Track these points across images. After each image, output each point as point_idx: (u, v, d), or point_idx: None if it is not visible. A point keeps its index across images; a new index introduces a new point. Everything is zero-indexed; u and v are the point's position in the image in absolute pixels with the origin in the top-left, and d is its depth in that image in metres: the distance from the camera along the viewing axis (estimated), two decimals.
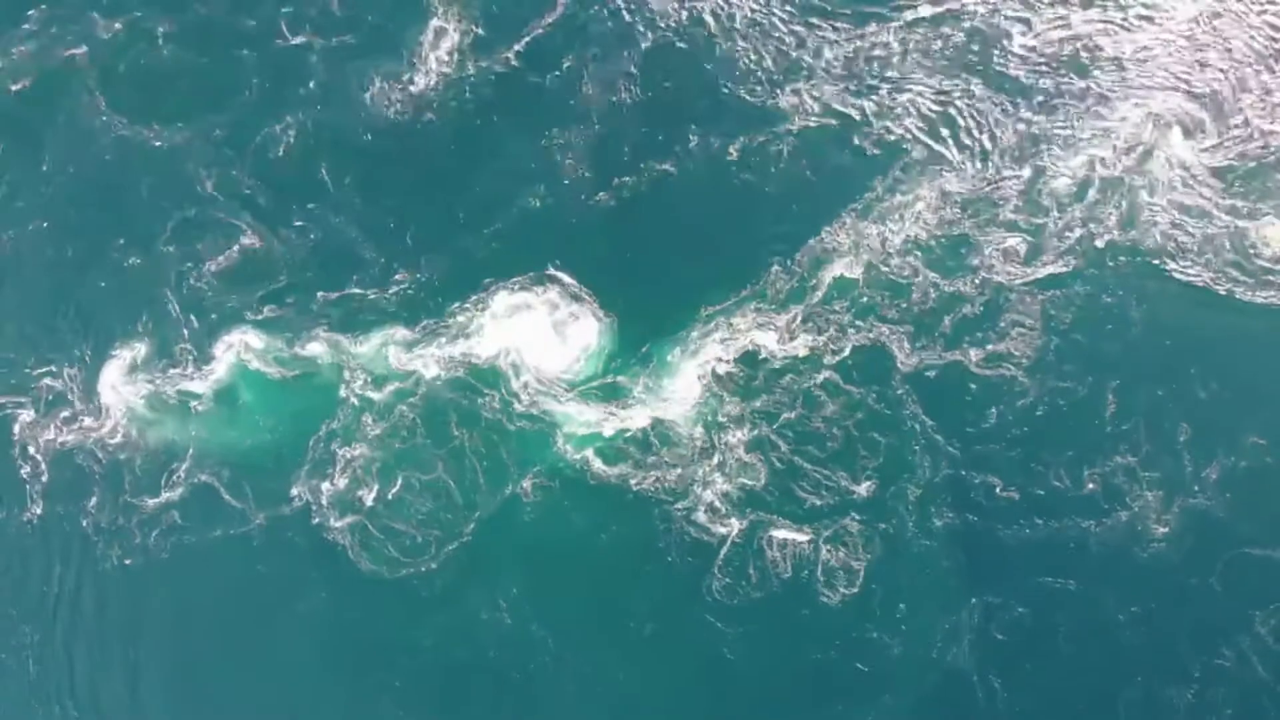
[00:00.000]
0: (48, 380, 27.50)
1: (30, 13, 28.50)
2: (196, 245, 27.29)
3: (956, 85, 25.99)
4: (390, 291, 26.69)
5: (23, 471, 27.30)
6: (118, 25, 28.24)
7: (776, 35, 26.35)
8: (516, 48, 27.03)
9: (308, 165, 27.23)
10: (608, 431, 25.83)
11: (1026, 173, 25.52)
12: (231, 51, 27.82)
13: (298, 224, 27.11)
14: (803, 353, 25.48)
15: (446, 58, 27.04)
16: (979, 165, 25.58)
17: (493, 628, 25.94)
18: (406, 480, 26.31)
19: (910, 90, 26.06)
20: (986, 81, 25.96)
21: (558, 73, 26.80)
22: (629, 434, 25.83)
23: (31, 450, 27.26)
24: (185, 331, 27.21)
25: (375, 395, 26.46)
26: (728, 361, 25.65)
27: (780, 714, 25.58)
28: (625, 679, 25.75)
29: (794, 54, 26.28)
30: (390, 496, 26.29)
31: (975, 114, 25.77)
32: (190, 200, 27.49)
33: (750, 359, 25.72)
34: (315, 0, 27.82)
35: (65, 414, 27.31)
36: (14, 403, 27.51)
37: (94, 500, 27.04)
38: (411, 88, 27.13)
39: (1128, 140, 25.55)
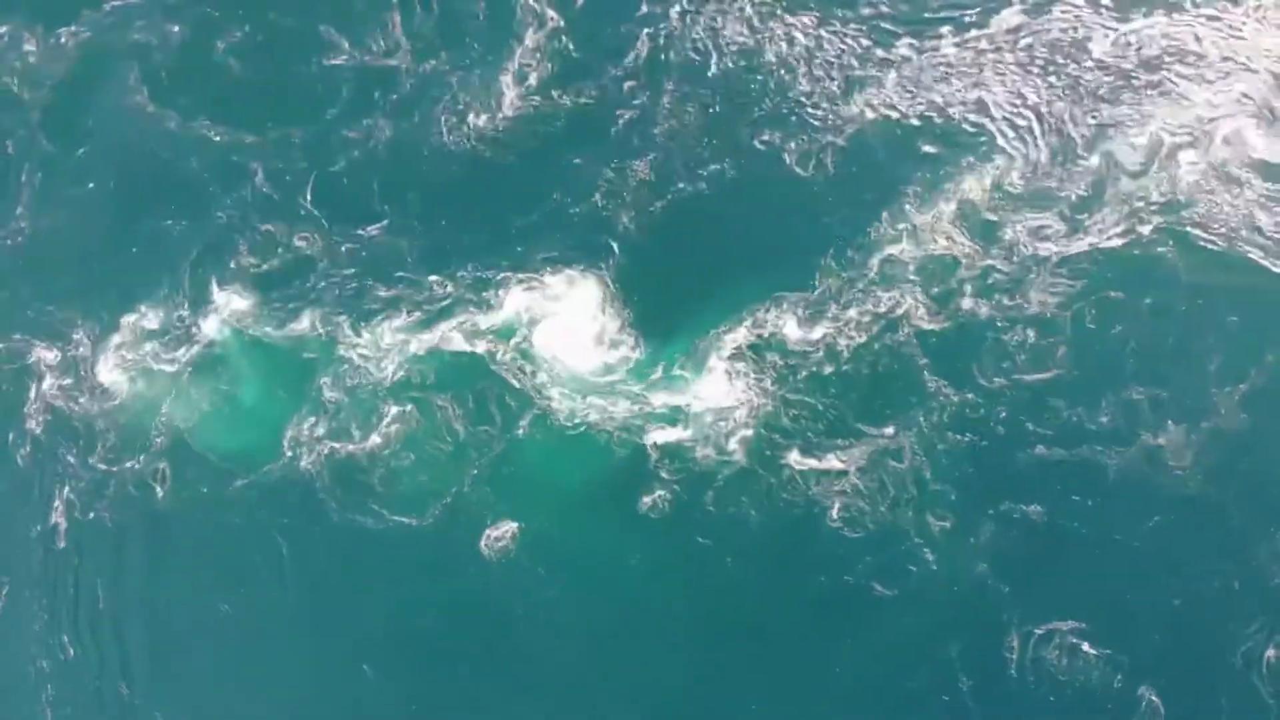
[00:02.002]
0: (68, 329, 28.67)
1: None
2: (236, 238, 28.53)
3: (1027, 87, 27.24)
4: (424, 292, 27.79)
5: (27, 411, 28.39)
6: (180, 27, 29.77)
7: (845, 46, 27.86)
8: (598, 81, 28.21)
9: (368, 180, 28.39)
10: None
11: (1095, 161, 26.61)
12: (319, 62, 29.18)
13: (346, 232, 28.26)
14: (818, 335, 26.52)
15: (525, 89, 28.29)
16: (1043, 157, 26.82)
17: (491, 579, 26.57)
18: (401, 435, 27.24)
19: (978, 94, 27.32)
20: (1059, 83, 27.23)
21: (635, 103, 27.97)
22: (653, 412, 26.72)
23: (32, 396, 28.37)
24: (195, 306, 28.40)
25: (382, 365, 27.61)
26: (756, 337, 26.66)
27: (801, 635, 26.05)
28: (622, 613, 26.54)
29: (860, 67, 27.70)
30: (385, 450, 27.18)
31: (1045, 113, 27.09)
32: (241, 194, 28.73)
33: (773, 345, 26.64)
34: (414, 19, 29.06)
35: (72, 360, 28.48)
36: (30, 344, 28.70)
37: (80, 451, 28.12)
38: (487, 116, 28.25)
39: (1194, 130, 26.63)
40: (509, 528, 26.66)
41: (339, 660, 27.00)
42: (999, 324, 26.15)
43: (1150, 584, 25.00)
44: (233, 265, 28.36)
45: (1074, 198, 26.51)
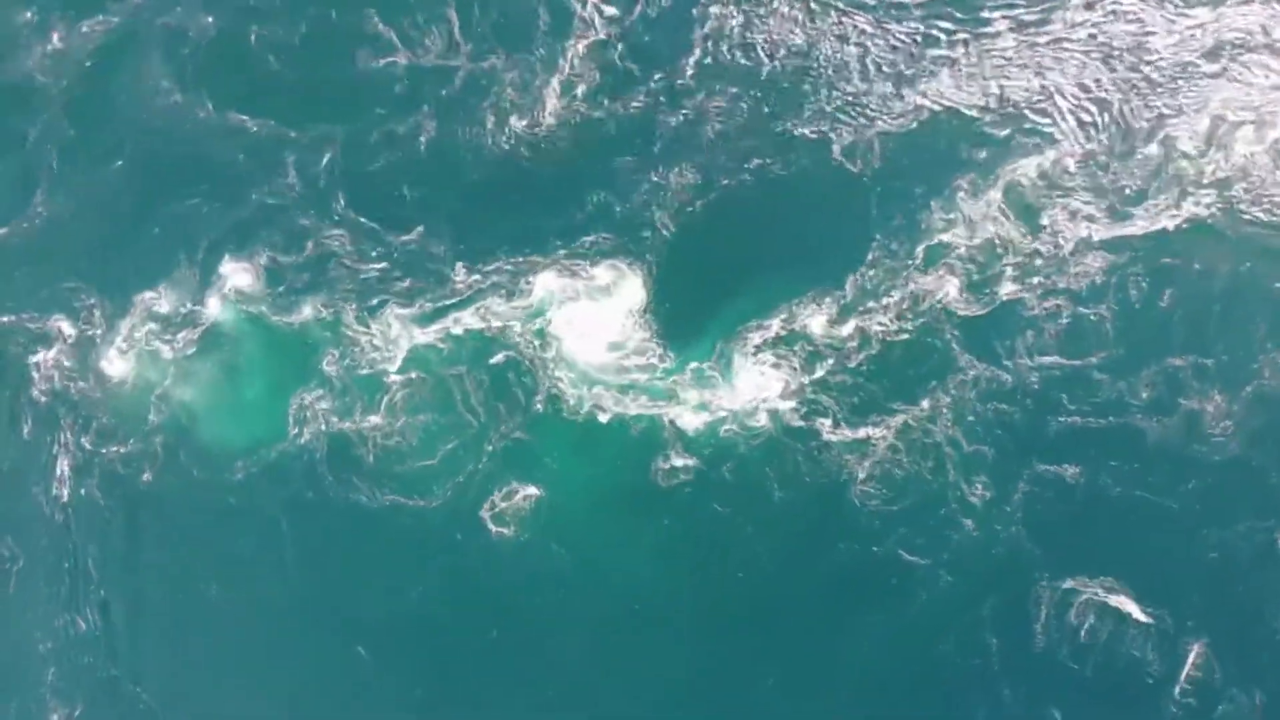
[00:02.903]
0: (81, 308, 28.75)
1: None
2: (260, 228, 28.61)
3: (1087, 77, 27.37)
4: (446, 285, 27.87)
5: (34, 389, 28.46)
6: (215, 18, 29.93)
7: (899, 42, 27.98)
8: (647, 87, 28.19)
9: (404, 178, 28.43)
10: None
11: (1153, 149, 26.74)
12: (364, 58, 29.19)
13: (375, 229, 28.29)
14: (851, 328, 26.55)
15: (571, 97, 28.32)
16: (1100, 145, 26.91)
17: (501, 556, 26.63)
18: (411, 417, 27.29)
19: (1037, 83, 27.46)
20: (1120, 73, 27.35)
21: (685, 108, 27.99)
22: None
23: (39, 374, 28.42)
24: (207, 290, 28.47)
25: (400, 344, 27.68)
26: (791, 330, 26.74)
27: (826, 604, 26.06)
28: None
29: (915, 61, 27.82)
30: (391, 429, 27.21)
31: (1104, 101, 27.17)
32: (272, 186, 28.74)
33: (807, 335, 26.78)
34: (469, 20, 29.05)
35: (82, 339, 28.59)
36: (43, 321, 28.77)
37: (85, 430, 28.24)
38: (530, 120, 28.29)
39: (1256, 111, 26.81)
40: (528, 492, 26.65)
41: (340, 643, 26.97)
42: (1040, 305, 26.31)
43: (1189, 543, 25.00)
44: (252, 253, 28.45)
45: (1128, 183, 26.69)
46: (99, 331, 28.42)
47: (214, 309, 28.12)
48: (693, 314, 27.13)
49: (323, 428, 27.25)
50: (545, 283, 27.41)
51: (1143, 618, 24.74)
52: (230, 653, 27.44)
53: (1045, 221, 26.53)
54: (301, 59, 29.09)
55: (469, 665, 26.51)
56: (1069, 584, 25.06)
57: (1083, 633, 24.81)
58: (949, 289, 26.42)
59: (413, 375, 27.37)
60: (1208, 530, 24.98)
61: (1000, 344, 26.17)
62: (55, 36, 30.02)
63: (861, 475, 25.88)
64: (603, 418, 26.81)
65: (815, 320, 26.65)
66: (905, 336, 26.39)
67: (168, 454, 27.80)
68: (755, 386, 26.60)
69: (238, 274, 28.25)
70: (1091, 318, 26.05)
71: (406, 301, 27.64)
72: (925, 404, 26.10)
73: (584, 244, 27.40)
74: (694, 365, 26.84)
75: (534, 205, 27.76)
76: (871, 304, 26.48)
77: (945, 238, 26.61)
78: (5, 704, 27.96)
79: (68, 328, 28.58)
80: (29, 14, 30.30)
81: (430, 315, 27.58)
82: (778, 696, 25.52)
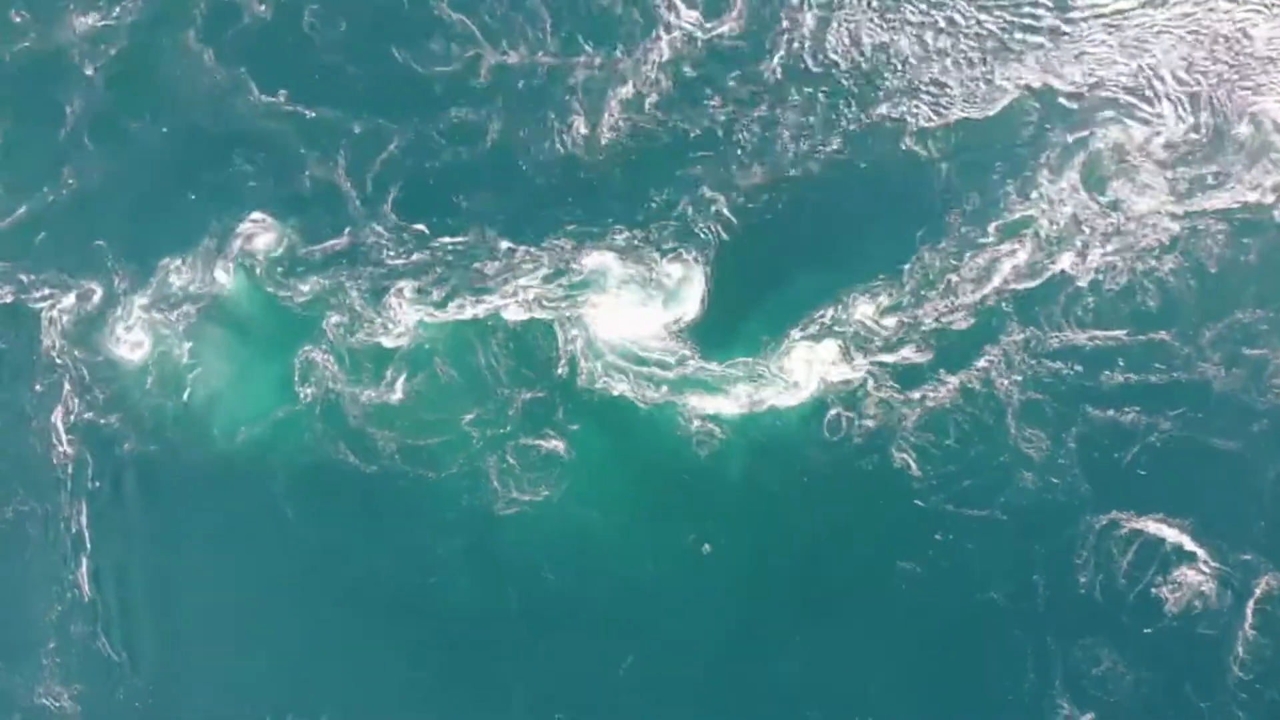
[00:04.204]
0: (103, 266, 28.74)
1: None
2: (293, 218, 28.51)
3: (1178, 60, 27.47)
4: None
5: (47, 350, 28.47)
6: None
7: (984, 30, 27.99)
8: (724, 90, 28.10)
9: (461, 183, 28.22)
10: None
11: (1243, 129, 26.83)
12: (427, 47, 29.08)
13: (423, 234, 28.07)
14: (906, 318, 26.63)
15: (646, 100, 28.31)
16: (1187, 127, 27.00)
17: (522, 526, 26.48)
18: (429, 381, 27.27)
19: (1127, 66, 27.50)
20: (1214, 55, 27.42)
21: (760, 113, 27.88)
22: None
23: (47, 343, 28.39)
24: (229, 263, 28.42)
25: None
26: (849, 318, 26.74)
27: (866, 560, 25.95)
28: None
29: (998, 49, 27.84)
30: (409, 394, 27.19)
31: (1195, 82, 27.24)
32: (319, 172, 28.63)
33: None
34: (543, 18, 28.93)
35: (100, 301, 28.59)
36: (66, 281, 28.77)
37: (88, 390, 28.18)
38: (607, 122, 28.19)
39: None
40: (551, 446, 26.63)
41: (349, 615, 26.89)
42: (1111, 273, 26.34)
43: (1253, 480, 25.00)
44: (283, 233, 28.39)
45: (1216, 161, 26.73)
46: (121, 292, 28.39)
47: (228, 279, 28.13)
48: (749, 306, 27.15)
49: (331, 386, 27.22)
50: (597, 264, 27.43)
51: (1205, 554, 24.70)
52: (234, 625, 27.26)
53: (1124, 197, 26.64)
54: (362, 47, 29.08)
55: (486, 636, 26.35)
56: (1127, 524, 25.02)
57: (1142, 572, 24.77)
58: (1018, 263, 26.50)
59: (426, 344, 27.39)
60: (1273, 467, 24.94)
61: (1065, 306, 26.25)
62: (99, 9, 30.11)
63: (913, 431, 25.90)
64: (633, 394, 26.82)
65: (872, 308, 26.70)
66: (969, 321, 26.37)
67: (171, 419, 27.76)
68: (804, 365, 26.62)
69: (260, 243, 28.28)
70: (1164, 280, 26.08)
71: (436, 284, 27.61)
72: (982, 363, 26.11)
73: (643, 237, 27.38)
74: (745, 358, 26.83)
75: (596, 203, 27.77)
76: (933, 292, 26.56)
77: (1021, 216, 26.74)
78: (9, 675, 27.67)
79: (87, 289, 28.54)
80: None
81: (460, 295, 27.54)
82: (820, 657, 25.40)
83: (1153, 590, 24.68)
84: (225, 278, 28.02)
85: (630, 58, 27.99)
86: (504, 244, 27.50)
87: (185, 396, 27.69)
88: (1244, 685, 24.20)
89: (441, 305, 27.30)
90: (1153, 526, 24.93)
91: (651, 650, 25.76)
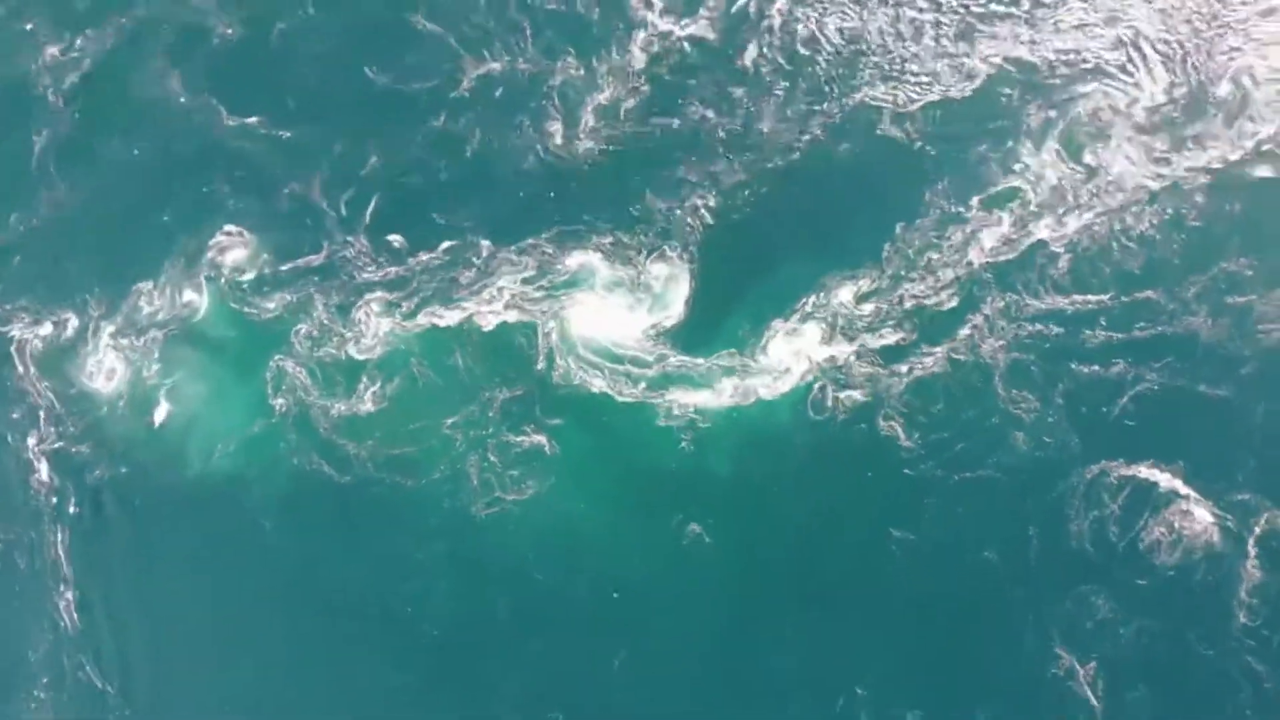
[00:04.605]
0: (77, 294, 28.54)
1: None
2: (269, 235, 28.36)
3: (1156, 26, 27.75)
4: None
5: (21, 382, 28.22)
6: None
7: (957, 7, 28.35)
8: (703, 87, 28.22)
9: (441, 195, 28.16)
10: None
11: (1223, 89, 27.04)
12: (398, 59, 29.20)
13: (400, 250, 27.95)
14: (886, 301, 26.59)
15: (625, 103, 28.40)
16: (1163, 89, 27.24)
17: (507, 526, 26.21)
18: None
19: (1106, 36, 27.80)
20: (1192, 20, 27.78)
21: (738, 108, 27.93)
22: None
23: (20, 371, 28.13)
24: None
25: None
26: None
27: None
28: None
29: (969, 27, 28.08)
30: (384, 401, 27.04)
31: (1173, 47, 27.55)
32: (295, 191, 28.48)
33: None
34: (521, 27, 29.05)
35: (74, 327, 28.32)
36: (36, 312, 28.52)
37: (62, 419, 27.84)
38: (587, 127, 28.23)
39: None
40: (534, 441, 26.46)
41: (334, 630, 26.47)
42: (1093, 233, 26.45)
43: (1243, 421, 25.00)
44: (258, 251, 28.26)
45: (1197, 121, 26.87)
46: (94, 319, 28.16)
47: (200, 298, 27.95)
48: (734, 300, 27.09)
49: (304, 398, 26.99)
50: (581, 265, 27.37)
51: (1199, 496, 24.60)
52: (220, 644, 26.77)
53: (1105, 162, 26.78)
54: (337, 65, 29.10)
55: (475, 639, 26.01)
56: (1116, 472, 24.98)
57: (1135, 518, 24.71)
58: (999, 235, 26.58)
59: (400, 352, 27.23)
60: (1262, 405, 24.98)
61: (1045, 272, 26.33)
62: (65, 37, 30.15)
63: (900, 401, 25.86)
64: (611, 389, 26.71)
65: (854, 292, 26.64)
66: (952, 298, 26.37)
67: (144, 443, 27.42)
68: (789, 353, 26.56)
69: (233, 260, 28.15)
70: (1146, 238, 26.20)
71: (407, 297, 27.53)
72: (966, 331, 26.12)
73: (626, 238, 27.34)
74: (730, 350, 26.73)
75: (578, 206, 27.71)
76: (915, 272, 26.53)
77: (1004, 188, 26.84)
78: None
79: (61, 317, 28.28)
80: (33, 22, 30.52)
81: (432, 305, 27.44)
82: (816, 634, 25.24)
83: (1148, 537, 24.56)
84: (196, 297, 27.87)
85: (608, 62, 28.11)
86: (484, 244, 27.45)
87: (158, 420, 27.41)
88: (1251, 631, 23.93)
89: (411, 315, 27.17)
90: (1144, 472, 24.84)
91: (644, 644, 25.44)
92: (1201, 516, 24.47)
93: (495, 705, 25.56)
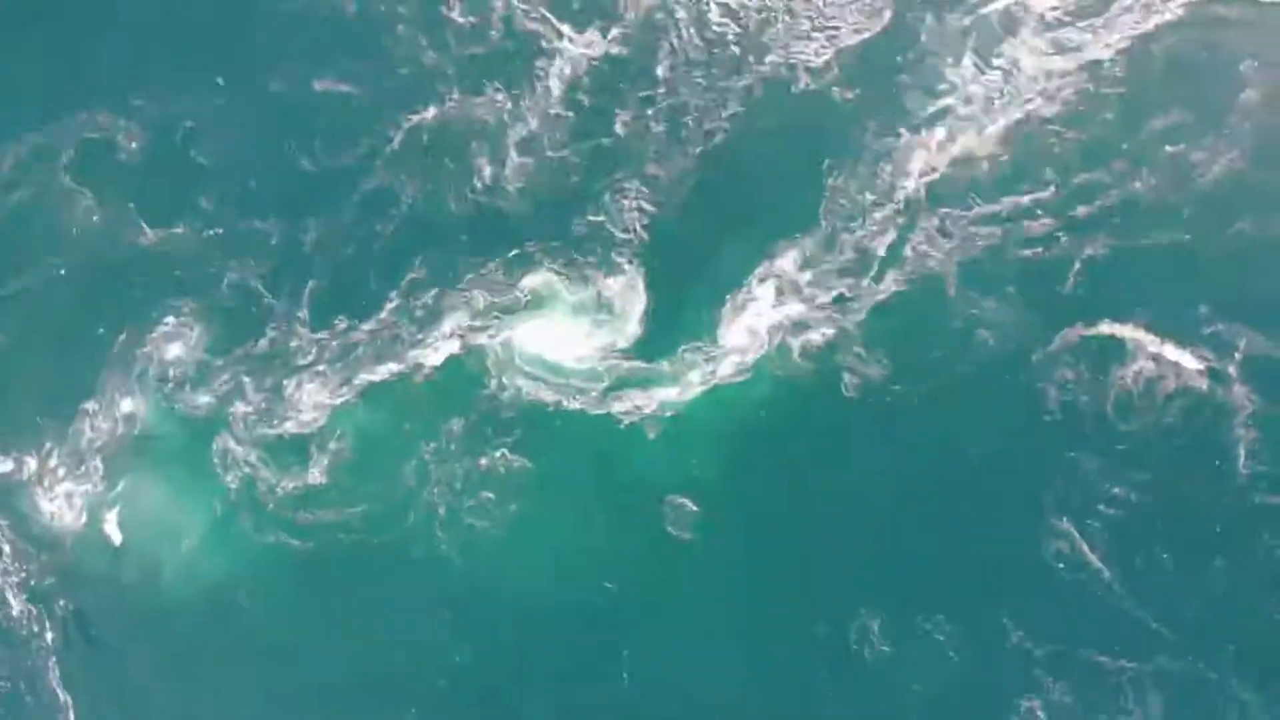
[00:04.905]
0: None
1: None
2: (207, 328, 28.21)
3: None
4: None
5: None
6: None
7: None
8: (626, 100, 28.03)
9: (377, 258, 27.95)
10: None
11: None
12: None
13: (342, 326, 27.75)
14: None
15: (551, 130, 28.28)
16: None
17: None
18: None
19: None
20: None
21: (663, 110, 27.76)
22: None
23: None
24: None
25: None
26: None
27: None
28: None
29: None
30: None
31: None
32: (232, 283, 28.30)
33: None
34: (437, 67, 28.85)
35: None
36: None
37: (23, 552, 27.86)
38: (514, 162, 28.05)
39: None
40: (505, 460, 26.22)
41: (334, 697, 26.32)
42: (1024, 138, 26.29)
43: (1197, 267, 24.95)
44: (198, 352, 28.08)
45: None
46: (44, 453, 28.05)
47: (143, 405, 27.80)
48: (686, 294, 26.91)
49: (254, 477, 26.87)
50: (532, 288, 27.25)
51: (1166, 340, 24.48)
52: None
53: (1021, 60, 26.63)
54: (251, 151, 28.91)
55: (487, 682, 25.89)
56: (1078, 334, 24.89)
57: (1105, 375, 24.62)
58: (927, 158, 26.43)
59: (342, 416, 27.05)
60: (1212, 243, 24.85)
61: (977, 181, 26.20)
62: None
63: (860, 331, 25.77)
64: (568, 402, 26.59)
65: (797, 254, 26.52)
66: (892, 232, 26.27)
67: (109, 562, 27.36)
68: (745, 331, 26.41)
69: (173, 358, 28.00)
70: (1077, 117, 26.08)
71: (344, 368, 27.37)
72: (909, 251, 26.07)
73: (572, 256, 27.22)
74: (692, 343, 26.54)
75: (520, 234, 27.54)
76: (854, 221, 26.38)
77: (932, 111, 26.65)
78: None
79: (16, 456, 28.25)
80: None
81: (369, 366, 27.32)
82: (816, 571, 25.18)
83: (1125, 390, 24.41)
84: (136, 405, 27.73)
85: (527, 95, 28.05)
86: (430, 294, 27.28)
87: (118, 540, 27.28)
88: (1256, 457, 23.66)
89: (349, 380, 27.03)
90: (1106, 329, 24.65)
91: (647, 633, 25.30)
92: (1177, 357, 24.27)
93: None
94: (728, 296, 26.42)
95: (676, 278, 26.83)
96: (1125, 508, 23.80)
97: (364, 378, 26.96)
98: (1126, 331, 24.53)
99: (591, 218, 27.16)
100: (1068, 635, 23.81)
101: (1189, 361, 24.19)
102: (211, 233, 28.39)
